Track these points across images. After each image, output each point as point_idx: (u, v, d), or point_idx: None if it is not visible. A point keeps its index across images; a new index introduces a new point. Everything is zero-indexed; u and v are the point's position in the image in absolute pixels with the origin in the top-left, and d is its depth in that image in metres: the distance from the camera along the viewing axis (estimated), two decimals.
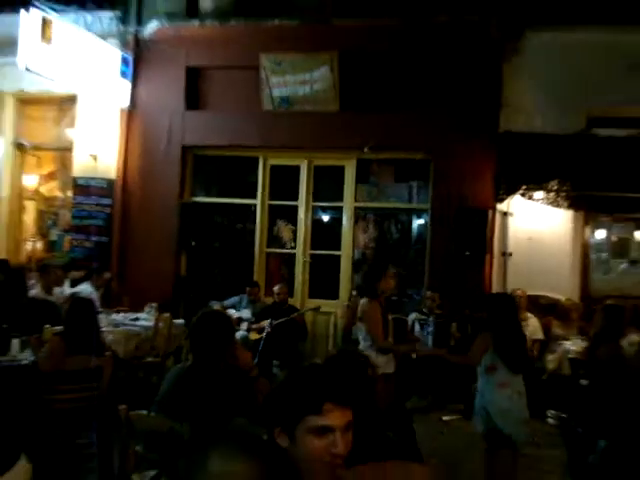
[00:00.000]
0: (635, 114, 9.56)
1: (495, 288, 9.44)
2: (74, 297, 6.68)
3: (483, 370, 5.33)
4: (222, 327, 3.98)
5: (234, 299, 9.76)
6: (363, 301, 6.59)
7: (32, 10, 8.77)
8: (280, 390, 2.16)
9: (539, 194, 9.27)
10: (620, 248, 11.12)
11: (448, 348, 7.23)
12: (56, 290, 8.38)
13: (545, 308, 9.07)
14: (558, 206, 9.30)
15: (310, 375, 2.17)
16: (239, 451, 1.59)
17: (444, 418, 7.79)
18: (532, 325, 8.88)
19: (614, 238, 11.17)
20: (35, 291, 8.09)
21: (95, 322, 5.98)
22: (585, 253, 10.04)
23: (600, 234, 10.98)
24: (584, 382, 6.35)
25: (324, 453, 1.95)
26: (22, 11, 8.80)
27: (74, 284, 9.04)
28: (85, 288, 8.64)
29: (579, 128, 9.36)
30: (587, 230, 10.12)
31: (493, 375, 5.25)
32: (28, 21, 8.73)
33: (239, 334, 8.40)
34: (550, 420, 7.37)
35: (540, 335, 8.88)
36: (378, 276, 6.62)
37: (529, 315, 8.91)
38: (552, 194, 9.18)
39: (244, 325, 9.15)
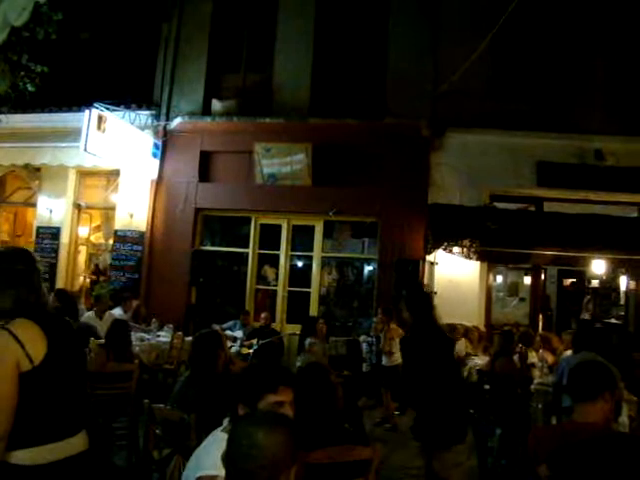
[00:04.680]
0: (522, 194, 9.86)
1: None
2: (115, 319, 6.64)
3: None
4: (211, 344, 3.95)
5: (230, 323, 9.64)
6: None
7: (92, 109, 8.93)
8: (246, 377, 2.35)
9: (456, 249, 9.17)
10: (513, 289, 11.35)
11: None
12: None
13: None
14: (469, 258, 9.23)
15: (266, 368, 2.40)
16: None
17: None
18: (459, 345, 8.92)
19: (508, 282, 11.41)
20: (88, 314, 7.85)
21: (128, 337, 5.99)
22: (488, 293, 10.08)
23: (499, 279, 11.22)
24: (486, 387, 6.39)
25: None
26: (86, 110, 8.97)
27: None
28: (117, 311, 8.47)
29: (484, 202, 9.53)
30: (490, 276, 10.19)
31: None
32: (88, 116, 8.83)
33: (233, 349, 8.26)
34: None
35: (462, 353, 8.91)
36: None
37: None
38: (465, 249, 9.09)
39: (237, 342, 8.98)
